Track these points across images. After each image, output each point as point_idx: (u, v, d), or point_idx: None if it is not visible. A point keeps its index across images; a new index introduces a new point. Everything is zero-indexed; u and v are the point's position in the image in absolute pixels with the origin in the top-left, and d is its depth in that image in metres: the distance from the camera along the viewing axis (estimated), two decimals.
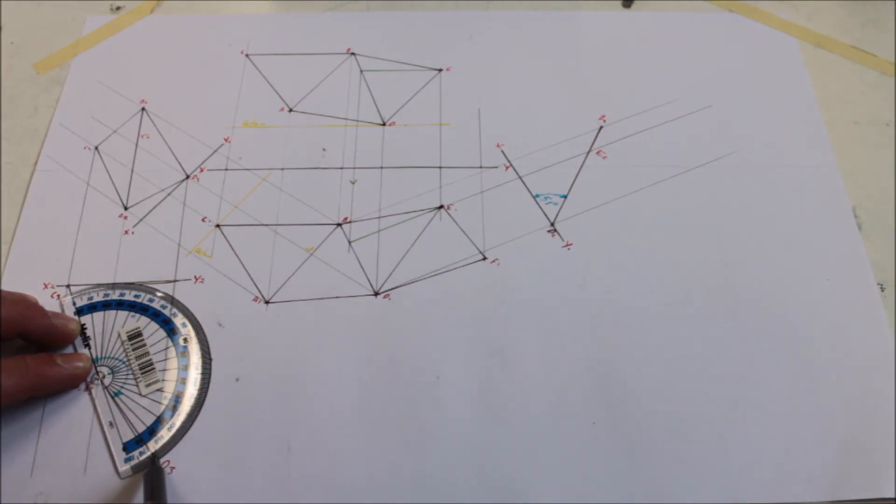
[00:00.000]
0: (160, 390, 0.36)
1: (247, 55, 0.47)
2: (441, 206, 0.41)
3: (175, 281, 0.39)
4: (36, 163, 0.43)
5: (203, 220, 0.41)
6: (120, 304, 0.38)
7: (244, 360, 0.37)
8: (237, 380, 0.36)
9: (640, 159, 0.43)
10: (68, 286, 0.39)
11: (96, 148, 0.43)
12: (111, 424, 0.35)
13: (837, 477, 0.34)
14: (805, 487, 0.34)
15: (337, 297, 0.39)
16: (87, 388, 0.36)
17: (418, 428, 0.35)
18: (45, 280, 0.39)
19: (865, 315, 0.38)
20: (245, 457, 0.34)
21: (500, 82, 0.46)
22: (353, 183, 0.42)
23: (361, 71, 0.46)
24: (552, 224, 0.41)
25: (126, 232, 0.40)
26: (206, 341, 0.37)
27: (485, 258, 0.40)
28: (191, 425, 0.35)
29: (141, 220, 0.41)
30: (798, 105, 0.45)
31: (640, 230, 0.41)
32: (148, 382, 0.36)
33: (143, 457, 0.34)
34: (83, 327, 0.37)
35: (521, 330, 0.38)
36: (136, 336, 0.37)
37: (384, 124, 0.44)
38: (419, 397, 0.36)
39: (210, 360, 0.37)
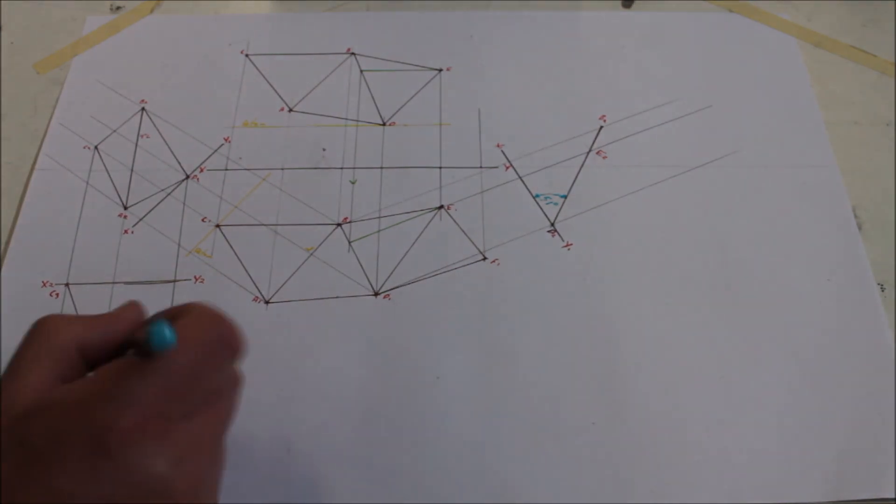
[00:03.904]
0: None
1: (247, 55, 0.47)
2: (441, 206, 0.41)
3: (175, 281, 0.39)
4: (35, 162, 0.43)
5: (203, 220, 0.41)
6: None
7: (244, 360, 0.37)
8: None
9: (640, 159, 0.43)
10: (67, 285, 0.39)
11: (96, 147, 0.43)
12: None
13: (837, 477, 0.34)
14: (805, 487, 0.34)
15: (337, 297, 0.39)
16: None
17: (418, 428, 0.35)
18: (45, 279, 0.39)
19: (865, 315, 0.38)
20: (245, 457, 0.34)
21: (500, 82, 0.46)
22: (353, 183, 0.42)
23: (361, 71, 0.46)
24: (552, 224, 0.41)
25: (126, 231, 0.40)
26: None
27: (485, 258, 0.40)
28: None
29: (141, 219, 0.41)
30: (798, 105, 0.45)
31: (640, 230, 0.41)
32: None
33: None
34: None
35: (521, 330, 0.38)
36: None
37: (384, 124, 0.44)
38: (419, 397, 0.36)
39: None
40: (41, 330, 0.25)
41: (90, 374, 0.24)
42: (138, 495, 0.22)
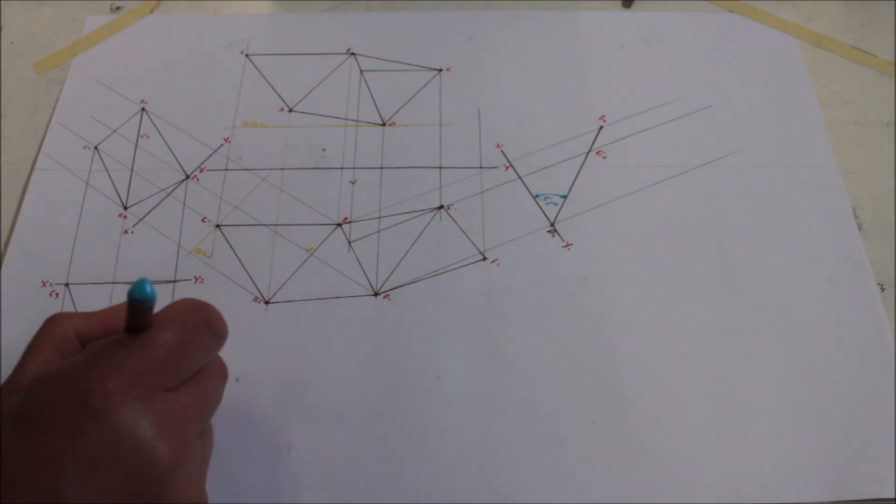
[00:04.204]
0: None
1: (247, 55, 0.47)
2: (441, 206, 0.41)
3: (175, 281, 0.39)
4: (35, 162, 0.43)
5: (203, 220, 0.41)
6: None
7: (244, 360, 0.37)
8: (237, 380, 0.36)
9: (640, 159, 0.43)
10: (67, 285, 0.39)
11: (96, 147, 0.43)
12: None
13: (837, 477, 0.34)
14: (805, 487, 0.34)
15: (337, 297, 0.39)
16: None
17: (418, 428, 0.35)
18: (45, 279, 0.39)
19: (865, 315, 0.38)
20: (245, 457, 0.34)
21: (500, 82, 0.46)
22: (353, 183, 0.42)
23: (361, 71, 0.46)
24: (552, 224, 0.41)
25: (126, 231, 0.40)
26: None
27: (485, 258, 0.40)
28: None
29: (141, 219, 0.41)
30: (798, 105, 0.45)
31: (640, 230, 0.41)
32: None
33: None
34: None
35: (521, 330, 0.38)
36: None
37: (384, 124, 0.44)
38: (419, 397, 0.36)
39: None
40: (46, 325, 0.28)
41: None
42: (124, 457, 0.23)
